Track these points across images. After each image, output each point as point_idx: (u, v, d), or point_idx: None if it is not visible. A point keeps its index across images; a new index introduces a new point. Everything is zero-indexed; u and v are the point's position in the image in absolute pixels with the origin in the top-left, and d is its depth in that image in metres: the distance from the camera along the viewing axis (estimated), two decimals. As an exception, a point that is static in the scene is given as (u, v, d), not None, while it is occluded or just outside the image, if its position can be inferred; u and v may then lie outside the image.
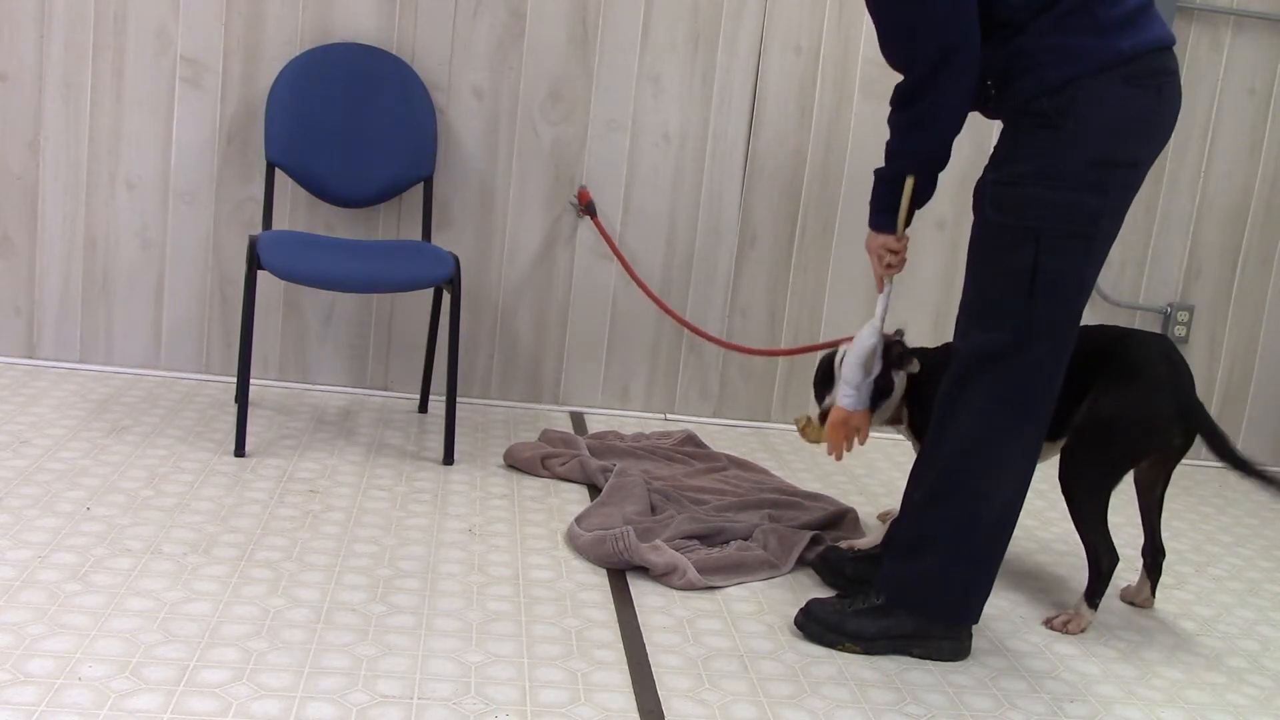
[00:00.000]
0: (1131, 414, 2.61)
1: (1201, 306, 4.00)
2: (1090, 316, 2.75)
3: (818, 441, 2.82)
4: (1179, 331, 3.97)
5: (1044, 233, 2.27)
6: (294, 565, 2.53)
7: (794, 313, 3.84)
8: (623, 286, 3.76)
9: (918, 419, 2.84)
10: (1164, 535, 3.26)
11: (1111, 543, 2.67)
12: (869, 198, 2.49)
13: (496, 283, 3.73)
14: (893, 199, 2.44)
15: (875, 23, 2.37)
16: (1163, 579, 2.96)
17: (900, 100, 2.36)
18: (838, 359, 2.76)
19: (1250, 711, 2.40)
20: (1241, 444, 4.08)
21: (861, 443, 2.72)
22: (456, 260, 3.23)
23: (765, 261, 3.80)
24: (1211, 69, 3.85)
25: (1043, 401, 2.38)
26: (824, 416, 2.76)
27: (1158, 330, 3.98)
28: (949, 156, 2.39)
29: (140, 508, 2.72)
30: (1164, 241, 3.95)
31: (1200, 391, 4.00)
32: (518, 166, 3.67)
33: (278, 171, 3.46)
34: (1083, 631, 2.66)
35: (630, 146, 3.70)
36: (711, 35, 3.66)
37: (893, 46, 2.35)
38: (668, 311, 3.71)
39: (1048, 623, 2.68)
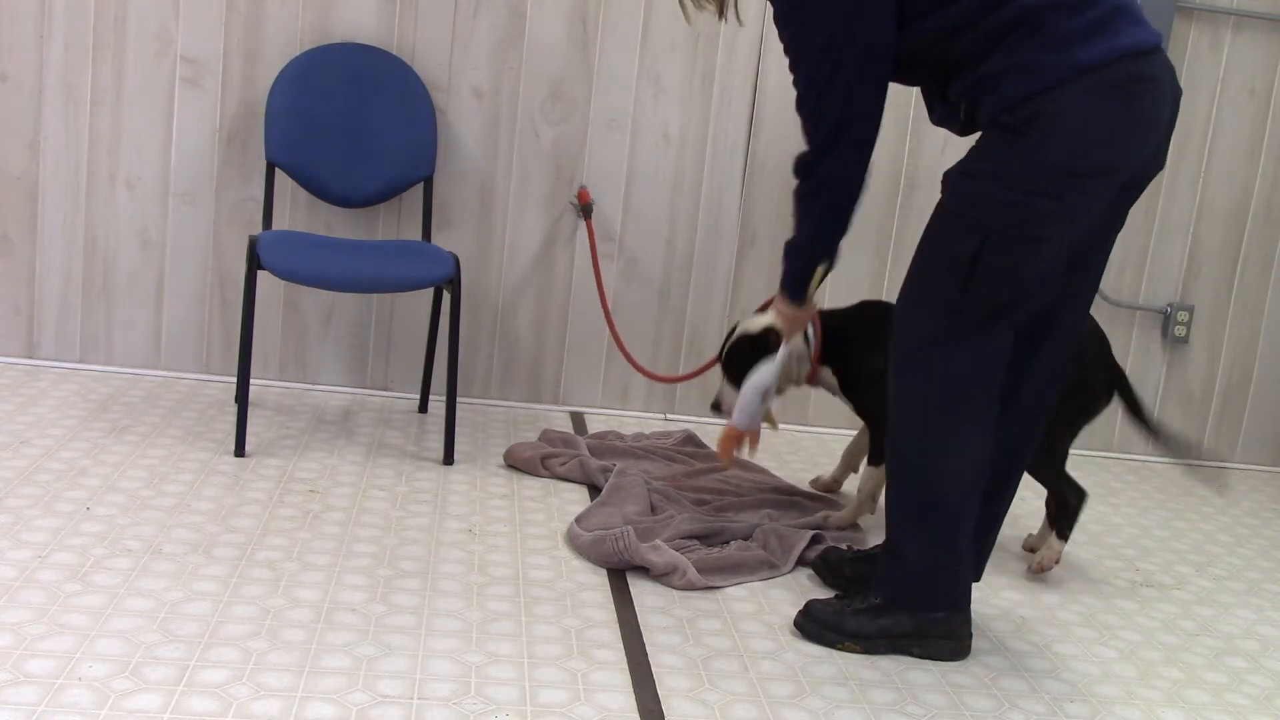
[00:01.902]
0: (1078, 392, 2.79)
1: (1201, 306, 3.99)
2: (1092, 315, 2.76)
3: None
4: (1179, 331, 3.97)
5: (992, 230, 2.27)
6: (294, 565, 2.53)
7: (794, 313, 3.84)
8: (623, 286, 3.76)
9: (848, 384, 2.97)
10: (1163, 534, 3.27)
11: (1076, 483, 2.85)
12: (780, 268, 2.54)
13: (496, 283, 3.73)
14: (804, 273, 2.50)
15: (794, 80, 2.39)
16: (1163, 579, 2.96)
17: (801, 170, 2.41)
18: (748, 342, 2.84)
19: (1250, 711, 2.40)
20: (1241, 444, 4.08)
21: (753, 451, 2.81)
22: (456, 260, 3.23)
23: (765, 261, 3.80)
24: (1211, 69, 3.85)
25: (984, 385, 2.37)
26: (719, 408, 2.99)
27: (1157, 330, 3.98)
28: (849, 226, 2.44)
29: (140, 508, 2.72)
30: (1164, 241, 3.95)
31: (1200, 391, 4.04)
32: (518, 166, 3.67)
33: (278, 171, 3.46)
34: (1057, 564, 2.84)
35: (630, 146, 3.70)
36: (711, 35, 3.66)
37: (804, 105, 2.38)
38: (614, 334, 3.69)
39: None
